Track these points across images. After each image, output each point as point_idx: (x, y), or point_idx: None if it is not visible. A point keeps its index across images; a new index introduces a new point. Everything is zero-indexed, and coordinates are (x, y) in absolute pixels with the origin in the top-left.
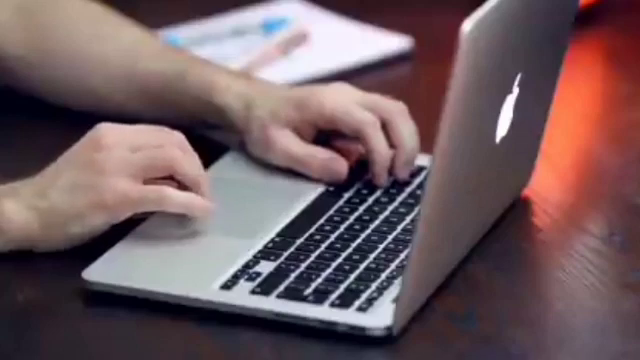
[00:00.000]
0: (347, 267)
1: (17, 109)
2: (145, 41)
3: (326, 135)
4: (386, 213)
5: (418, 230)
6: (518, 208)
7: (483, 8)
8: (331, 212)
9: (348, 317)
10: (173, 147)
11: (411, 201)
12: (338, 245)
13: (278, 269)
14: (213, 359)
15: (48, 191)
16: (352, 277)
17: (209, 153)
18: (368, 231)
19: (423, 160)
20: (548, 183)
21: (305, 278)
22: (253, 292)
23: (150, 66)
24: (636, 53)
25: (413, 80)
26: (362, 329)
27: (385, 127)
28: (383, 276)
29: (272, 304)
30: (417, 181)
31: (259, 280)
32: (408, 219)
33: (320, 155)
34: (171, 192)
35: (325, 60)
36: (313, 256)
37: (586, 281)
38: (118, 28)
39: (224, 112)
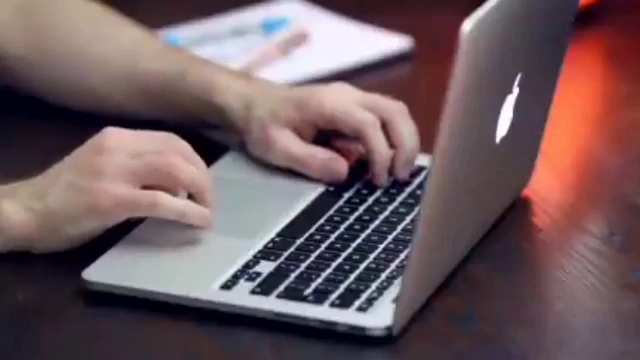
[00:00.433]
0: (347, 267)
1: (17, 109)
2: (145, 41)
3: (326, 135)
4: (386, 213)
5: (418, 230)
6: (518, 208)
7: (483, 8)
8: (331, 212)
9: (348, 317)
10: (173, 154)
11: (411, 201)
12: (338, 245)
13: (278, 269)
14: (213, 359)
15: (47, 192)
16: (352, 277)
17: (209, 153)
18: (368, 231)
19: (423, 160)
20: (548, 183)
21: (305, 278)
22: (253, 292)
23: (150, 66)
24: (636, 53)
25: (413, 80)
26: (362, 329)
27: (385, 127)
28: (383, 276)
29: (272, 304)
30: (417, 181)
31: (259, 280)
32: (408, 219)
33: (320, 155)
34: (165, 198)
35: (325, 60)
36: (313, 256)
37: (586, 281)
38: (118, 28)
39: (224, 112)
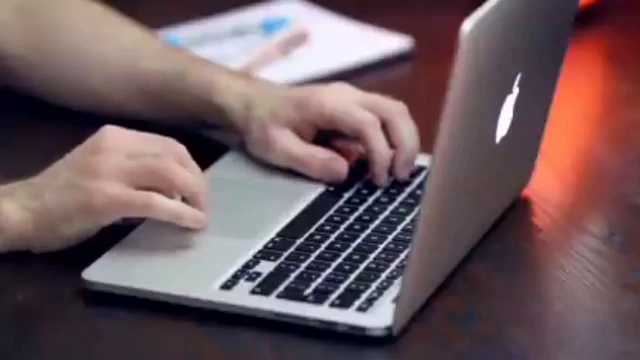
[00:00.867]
0: (347, 267)
1: (17, 109)
2: (145, 41)
3: (326, 135)
4: (386, 213)
5: (418, 230)
6: (518, 208)
7: (483, 8)
8: (331, 212)
9: (348, 317)
10: (169, 158)
11: (411, 201)
12: (338, 245)
13: (278, 269)
14: (213, 359)
15: (44, 191)
16: (352, 277)
17: (209, 153)
18: (368, 231)
19: (423, 160)
20: (548, 183)
21: (305, 278)
22: (253, 292)
23: (150, 66)
24: (636, 53)
25: (413, 80)
26: (362, 329)
27: (385, 127)
28: (383, 276)
29: (272, 304)
30: (417, 181)
31: (259, 280)
32: (408, 219)
33: (320, 155)
34: (160, 199)
35: (325, 60)
36: (313, 256)
37: (586, 281)
38: (118, 28)
39: (224, 112)
